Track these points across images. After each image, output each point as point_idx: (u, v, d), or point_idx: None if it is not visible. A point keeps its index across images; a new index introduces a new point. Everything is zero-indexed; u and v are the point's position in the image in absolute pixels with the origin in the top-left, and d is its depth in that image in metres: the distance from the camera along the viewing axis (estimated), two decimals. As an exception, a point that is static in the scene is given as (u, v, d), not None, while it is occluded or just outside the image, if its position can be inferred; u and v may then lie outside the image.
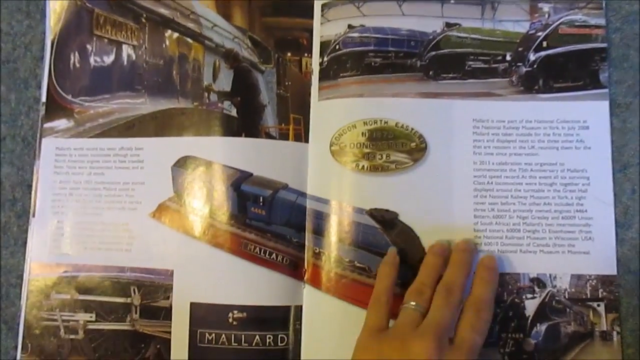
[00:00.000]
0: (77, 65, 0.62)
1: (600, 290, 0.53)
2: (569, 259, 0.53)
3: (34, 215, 0.60)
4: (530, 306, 0.53)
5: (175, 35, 0.63)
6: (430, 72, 0.59)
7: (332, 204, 0.56)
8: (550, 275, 0.53)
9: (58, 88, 0.62)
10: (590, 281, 0.53)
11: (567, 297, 0.53)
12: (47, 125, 0.62)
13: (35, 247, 0.60)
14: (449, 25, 0.59)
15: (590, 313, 0.53)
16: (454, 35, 0.59)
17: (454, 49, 0.59)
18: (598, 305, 0.53)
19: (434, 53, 0.59)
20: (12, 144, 0.62)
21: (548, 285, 0.53)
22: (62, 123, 0.61)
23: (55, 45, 0.63)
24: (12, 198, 0.61)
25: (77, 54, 0.62)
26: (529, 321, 0.53)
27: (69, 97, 0.62)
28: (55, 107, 0.62)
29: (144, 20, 0.63)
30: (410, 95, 0.58)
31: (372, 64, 0.59)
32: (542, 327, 0.53)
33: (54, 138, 0.61)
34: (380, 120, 0.57)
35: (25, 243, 0.60)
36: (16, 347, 0.58)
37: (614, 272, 0.53)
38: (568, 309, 0.53)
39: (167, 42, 0.63)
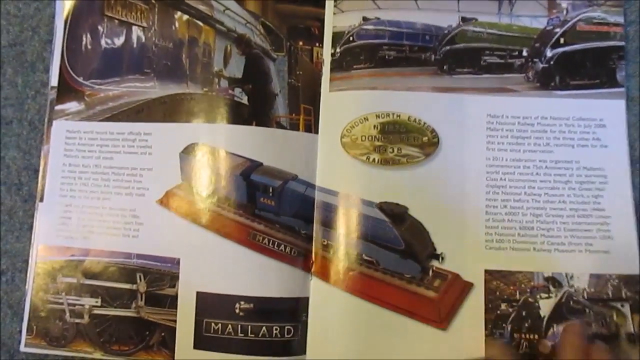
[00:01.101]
0: (89, 47, 0.61)
1: (624, 291, 0.52)
2: (587, 258, 0.53)
3: (41, 200, 0.59)
4: (546, 306, 0.53)
5: (185, 17, 0.62)
6: (445, 67, 0.58)
7: (342, 196, 0.56)
8: (566, 275, 0.53)
9: (70, 70, 0.61)
10: (612, 281, 0.53)
11: (585, 297, 0.53)
12: (58, 107, 0.61)
13: (42, 230, 0.59)
14: (465, 19, 0.59)
15: (613, 314, 0.52)
16: (469, 29, 0.59)
17: (469, 44, 0.58)
18: (622, 306, 0.52)
19: (448, 47, 0.58)
20: (19, 128, 0.62)
21: (564, 285, 0.53)
22: (73, 106, 0.61)
23: (68, 26, 0.62)
24: (18, 182, 0.61)
25: (88, 35, 0.61)
26: (545, 322, 0.53)
27: (80, 80, 0.61)
28: (67, 90, 0.61)
29: (153, 0, 0.62)
30: (424, 90, 0.57)
31: (386, 57, 0.58)
32: (559, 328, 0.52)
33: (64, 121, 0.60)
34: (393, 114, 0.56)
35: (30, 228, 0.60)
36: (21, 332, 0.58)
37: (637, 272, 0.53)
38: (587, 310, 0.52)
39: (177, 25, 0.62)
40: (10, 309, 0.59)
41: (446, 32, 0.59)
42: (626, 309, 0.52)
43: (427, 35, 0.59)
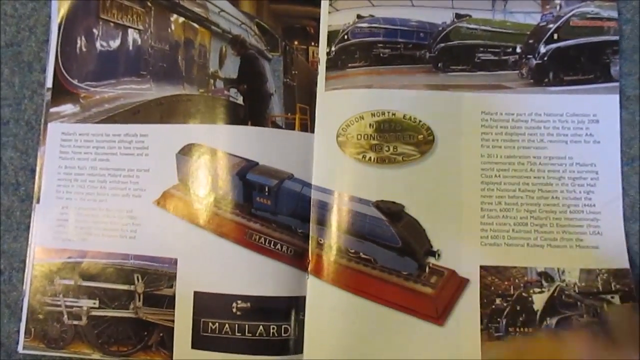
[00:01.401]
0: (84, 49, 0.62)
1: (613, 284, 0.52)
2: (578, 254, 0.53)
3: (38, 201, 0.60)
4: (539, 300, 0.53)
5: (181, 19, 0.62)
6: (439, 64, 0.58)
7: (338, 195, 0.56)
8: (558, 270, 0.53)
9: (64, 72, 0.61)
10: (601, 275, 0.53)
11: (577, 291, 0.53)
12: (53, 110, 0.61)
13: (39, 233, 0.59)
14: (459, 16, 0.59)
15: (604, 305, 0.52)
16: (464, 26, 0.59)
17: (463, 41, 0.58)
18: (612, 297, 0.52)
19: (443, 45, 0.58)
20: (16, 128, 0.62)
21: (556, 280, 0.53)
22: (68, 108, 0.61)
23: (62, 29, 0.62)
24: (15, 182, 0.61)
25: (83, 38, 0.62)
26: (538, 315, 0.53)
27: (75, 82, 0.61)
28: (62, 92, 0.61)
29: (149, 3, 0.62)
30: (419, 87, 0.57)
31: (381, 54, 0.59)
32: (552, 321, 0.52)
33: (59, 123, 0.61)
34: (388, 112, 0.56)
35: (28, 227, 0.60)
36: (18, 331, 0.58)
37: (627, 266, 0.53)
38: (579, 303, 0.53)
39: (173, 27, 0.62)
40: (8, 308, 0.59)
41: (440, 29, 0.59)
42: (616, 300, 0.52)
43: (421, 33, 0.59)
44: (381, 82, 0.57)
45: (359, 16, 0.59)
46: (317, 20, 0.60)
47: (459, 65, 0.58)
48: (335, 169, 0.57)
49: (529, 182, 0.54)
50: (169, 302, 0.56)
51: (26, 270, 0.59)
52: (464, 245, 0.54)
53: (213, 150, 0.58)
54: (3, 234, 0.60)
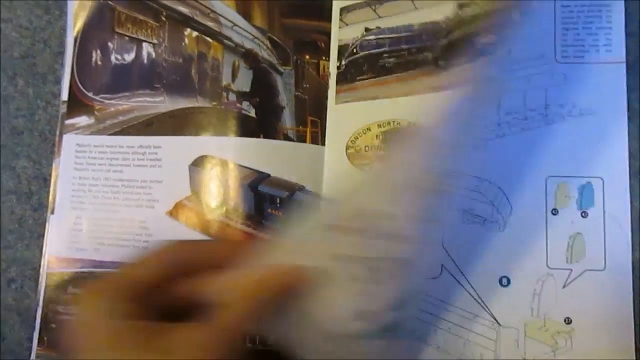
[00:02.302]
0: (99, 62, 0.63)
1: None
2: None
3: (52, 212, 0.60)
4: None
5: (195, 33, 0.63)
6: (440, 62, 0.57)
7: (347, 207, 0.56)
8: None
9: (80, 85, 0.62)
10: None
11: None
12: (68, 121, 0.62)
13: (53, 242, 0.60)
14: (461, 6, 0.57)
15: None
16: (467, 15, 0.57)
17: (466, 31, 0.57)
18: None
19: (445, 41, 0.58)
20: (30, 138, 0.63)
21: None
22: (83, 120, 0.62)
23: (78, 43, 0.63)
24: (28, 191, 0.62)
25: (99, 52, 0.63)
26: None
27: (91, 95, 0.62)
28: (77, 104, 0.62)
29: (163, 18, 0.63)
30: (422, 92, 0.57)
31: (386, 64, 0.59)
32: None
33: (74, 135, 0.61)
34: (393, 122, 0.57)
35: (40, 236, 0.60)
36: (29, 338, 0.58)
37: None
38: None
39: (187, 41, 0.63)
40: (19, 316, 0.60)
41: (444, 26, 0.57)
42: None
43: (423, 35, 0.58)
44: (386, 92, 0.57)
45: (366, 29, 0.60)
46: (328, 34, 0.61)
47: (462, 57, 0.57)
48: (344, 180, 0.57)
49: None
50: (180, 312, 0.57)
51: (40, 280, 0.59)
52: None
53: (225, 162, 0.58)
54: (16, 242, 0.61)
